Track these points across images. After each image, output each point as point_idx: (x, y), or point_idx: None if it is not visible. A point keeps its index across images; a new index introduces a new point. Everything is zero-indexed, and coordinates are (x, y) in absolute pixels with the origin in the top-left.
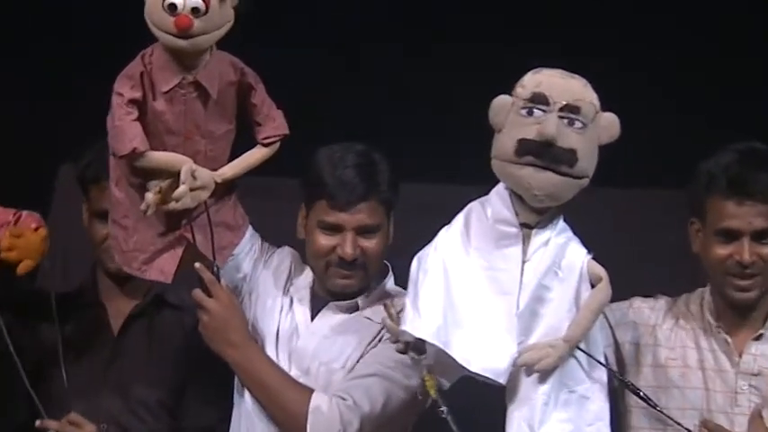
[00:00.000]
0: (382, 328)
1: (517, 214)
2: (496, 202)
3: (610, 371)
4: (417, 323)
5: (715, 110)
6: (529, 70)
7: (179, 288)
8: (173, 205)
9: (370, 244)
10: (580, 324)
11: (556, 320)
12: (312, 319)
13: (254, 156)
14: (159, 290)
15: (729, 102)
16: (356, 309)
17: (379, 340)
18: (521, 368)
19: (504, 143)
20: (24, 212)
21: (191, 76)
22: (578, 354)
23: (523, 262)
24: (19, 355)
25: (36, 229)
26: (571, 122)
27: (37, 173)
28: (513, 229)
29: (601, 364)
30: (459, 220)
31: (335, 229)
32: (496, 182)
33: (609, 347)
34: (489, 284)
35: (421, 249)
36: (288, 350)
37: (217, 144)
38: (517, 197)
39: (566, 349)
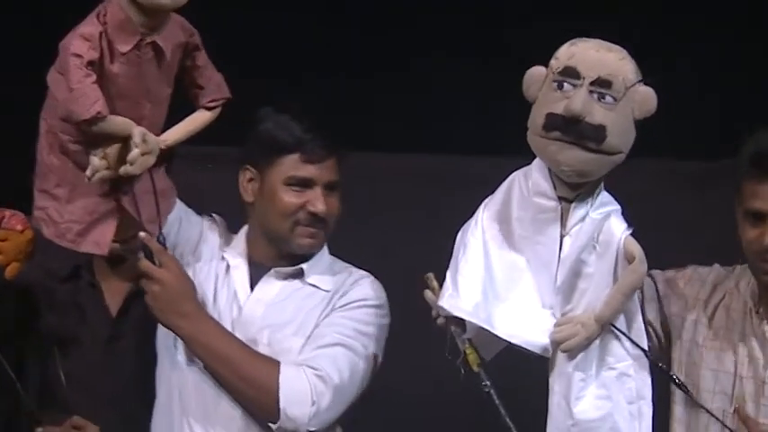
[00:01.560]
0: (333, 295)
1: (555, 188)
2: (536, 175)
3: (645, 354)
4: (455, 300)
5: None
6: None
7: None
8: (125, 169)
9: (334, 201)
10: (610, 305)
11: (596, 296)
12: (252, 285)
13: (198, 120)
14: None
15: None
16: (301, 275)
17: (332, 308)
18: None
19: (534, 116)
20: (8, 212)
21: (148, 37)
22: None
23: (562, 236)
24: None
25: (22, 231)
26: (601, 97)
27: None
28: (552, 203)
29: (635, 344)
30: (501, 190)
31: (306, 184)
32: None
33: (656, 321)
34: (528, 257)
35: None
36: (230, 318)
37: (158, 108)
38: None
39: (596, 329)
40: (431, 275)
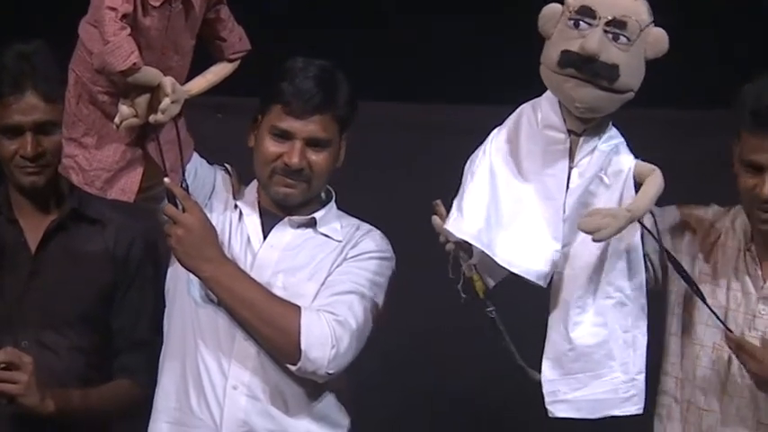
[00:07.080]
0: (345, 246)
1: (565, 120)
2: (546, 107)
3: (663, 249)
4: (459, 224)
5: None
6: None
7: (97, 201)
8: (155, 117)
9: (317, 158)
10: (647, 195)
11: None
12: (264, 232)
13: (220, 72)
14: (75, 204)
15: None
16: (313, 224)
17: (344, 258)
18: (561, 272)
19: (549, 52)
20: None
21: None
22: (621, 261)
23: (570, 168)
24: None
25: None
26: (616, 37)
27: None
28: (561, 135)
29: (656, 240)
30: (509, 121)
31: (286, 136)
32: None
33: (654, 252)
34: (536, 188)
35: None
36: (244, 264)
37: (184, 60)
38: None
39: (627, 219)
40: (438, 202)
